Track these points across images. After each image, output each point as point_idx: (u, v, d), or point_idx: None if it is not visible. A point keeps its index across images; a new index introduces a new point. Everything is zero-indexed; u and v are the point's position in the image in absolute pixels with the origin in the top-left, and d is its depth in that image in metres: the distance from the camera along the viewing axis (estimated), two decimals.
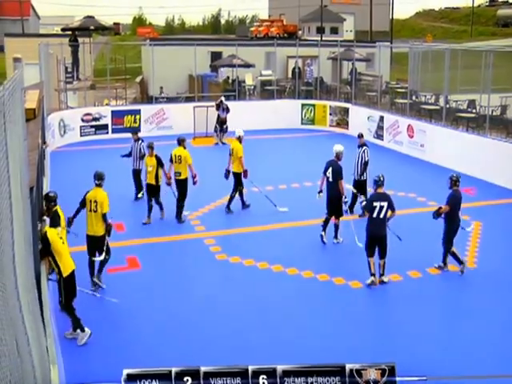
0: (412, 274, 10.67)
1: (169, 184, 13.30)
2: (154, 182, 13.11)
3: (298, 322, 9.02)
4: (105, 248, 9.71)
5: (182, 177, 13.30)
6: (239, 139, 14.17)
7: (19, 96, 5.95)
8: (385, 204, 9.98)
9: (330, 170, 12.03)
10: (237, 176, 13.92)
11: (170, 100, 26.51)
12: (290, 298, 9.80)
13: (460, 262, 10.70)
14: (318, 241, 12.54)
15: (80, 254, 9.67)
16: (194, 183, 13.38)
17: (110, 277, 10.53)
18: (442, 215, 10.68)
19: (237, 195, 13.97)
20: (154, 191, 13.18)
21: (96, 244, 9.81)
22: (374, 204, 10.01)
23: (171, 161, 13.30)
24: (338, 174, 11.93)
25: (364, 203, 10.39)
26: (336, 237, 12.36)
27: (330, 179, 12.02)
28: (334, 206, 12.07)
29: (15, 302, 3.95)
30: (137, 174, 14.96)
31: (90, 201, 9.78)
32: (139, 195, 14.52)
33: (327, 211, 12.25)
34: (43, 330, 5.63)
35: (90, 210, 9.75)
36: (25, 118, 6.99)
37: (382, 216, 9.98)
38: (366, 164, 13.42)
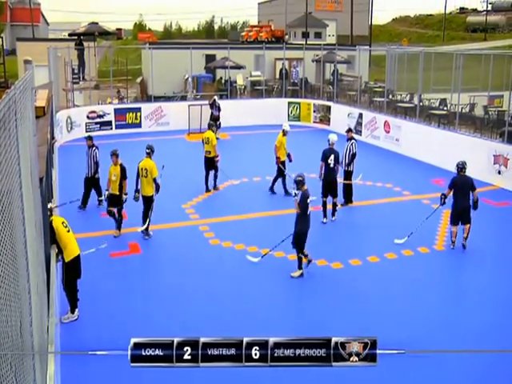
0: (388, 255, 10.75)
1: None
2: (117, 192, 11.48)
3: (283, 299, 9.08)
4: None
5: (211, 155, 14.55)
6: (283, 132, 14.39)
7: (30, 95, 5.92)
8: (310, 199, 9.79)
9: (332, 156, 12.55)
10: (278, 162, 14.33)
11: (167, 98, 26.40)
12: (277, 279, 9.83)
13: (452, 242, 11.06)
14: None
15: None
16: (216, 161, 14.54)
17: (114, 260, 10.57)
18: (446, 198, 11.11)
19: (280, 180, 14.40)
20: (117, 202, 11.57)
21: (147, 202, 11.51)
22: (308, 201, 9.68)
23: (203, 142, 14.66)
24: (338, 159, 12.69)
25: (299, 201, 9.67)
26: (334, 214, 12.76)
27: (332, 165, 12.53)
28: (333, 188, 12.63)
29: (25, 284, 3.95)
30: (89, 182, 13.26)
31: (142, 169, 11.44)
32: (101, 198, 12.60)
33: (323, 194, 12.62)
34: (47, 310, 5.61)
35: (142, 176, 11.43)
36: (35, 115, 6.95)
37: (309, 212, 9.80)
38: (353, 156, 13.60)
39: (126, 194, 11.49)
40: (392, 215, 13.19)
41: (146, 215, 11.60)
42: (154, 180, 11.43)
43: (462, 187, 10.83)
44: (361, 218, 13.33)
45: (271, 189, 14.56)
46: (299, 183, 9.68)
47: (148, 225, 11.59)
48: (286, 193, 14.30)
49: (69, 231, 8.02)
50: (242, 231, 12.10)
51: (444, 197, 11.11)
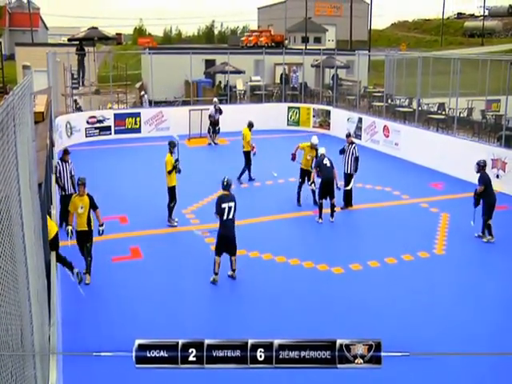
0: (388, 260, 10.71)
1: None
2: (86, 228, 9.63)
3: (285, 303, 9.03)
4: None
5: (245, 149, 16.17)
6: (310, 146, 14.00)
7: (28, 100, 5.89)
8: (232, 204, 9.53)
9: (327, 159, 12.82)
10: (302, 171, 14.19)
11: (167, 103, 26.39)
12: (279, 283, 9.80)
13: (490, 234, 11.61)
14: (303, 231, 12.61)
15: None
16: (254, 154, 16.05)
17: (116, 265, 10.53)
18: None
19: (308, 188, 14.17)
20: (86, 238, 9.68)
21: (168, 193, 12.39)
22: (223, 206, 9.44)
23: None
24: (332, 163, 12.91)
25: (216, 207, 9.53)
26: (332, 216, 12.80)
27: (328, 164, 12.77)
28: (332, 188, 12.73)
29: (25, 291, 3.92)
30: (67, 199, 10.67)
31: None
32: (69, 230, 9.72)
33: (320, 196, 12.80)
34: (48, 318, 5.56)
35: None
36: (34, 120, 6.92)
37: (230, 217, 9.47)
38: (357, 159, 13.71)
39: (101, 226, 9.72)
40: (391, 219, 13.16)
41: (168, 206, 12.48)
42: (169, 172, 12.17)
43: (490, 183, 11.58)
44: (360, 221, 13.32)
45: (314, 201, 13.95)
46: (222, 185, 9.64)
47: (170, 215, 12.52)
48: (298, 202, 14.11)
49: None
50: (242, 236, 12.03)
51: (478, 196, 11.52)
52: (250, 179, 16.22)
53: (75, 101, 23.63)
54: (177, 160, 12.30)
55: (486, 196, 11.49)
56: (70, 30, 59.39)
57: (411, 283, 9.85)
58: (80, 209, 9.57)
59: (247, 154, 16.21)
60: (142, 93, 25.83)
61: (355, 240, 12.17)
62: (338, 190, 13.02)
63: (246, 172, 16.29)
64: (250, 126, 16.64)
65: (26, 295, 3.93)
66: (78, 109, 23.49)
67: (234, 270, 9.83)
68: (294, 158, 14.42)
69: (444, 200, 14.49)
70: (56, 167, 11.95)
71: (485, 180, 11.52)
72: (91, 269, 9.65)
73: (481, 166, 11.62)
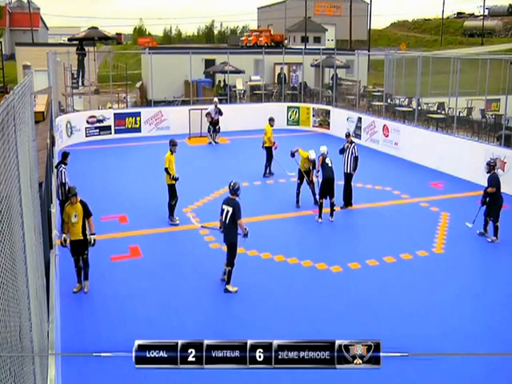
0: (387, 259, 10.72)
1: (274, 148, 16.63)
2: (81, 237, 9.11)
3: (285, 302, 9.03)
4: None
5: (266, 145, 16.62)
6: (307, 158, 13.74)
7: (28, 100, 5.90)
8: (230, 209, 9.28)
9: (328, 158, 12.90)
10: (299, 172, 14.09)
11: (167, 103, 26.40)
12: (278, 282, 9.80)
13: (495, 235, 11.51)
14: (302, 230, 12.60)
15: None
16: (275, 148, 16.49)
17: (115, 264, 10.54)
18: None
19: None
20: (82, 248, 9.20)
21: (168, 191, 12.47)
22: (223, 207, 9.44)
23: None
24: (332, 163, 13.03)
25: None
26: (332, 215, 12.83)
27: (329, 164, 12.84)
28: (332, 187, 12.80)
29: (24, 289, 3.93)
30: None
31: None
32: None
33: (320, 195, 12.85)
34: (47, 315, 5.57)
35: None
36: (34, 120, 6.93)
37: (227, 221, 9.34)
38: (356, 158, 13.69)
39: (93, 234, 9.18)
40: (391, 218, 13.17)
41: (169, 205, 12.53)
42: (165, 170, 12.23)
43: (500, 182, 11.49)
44: (360, 220, 13.31)
45: (315, 201, 13.86)
46: (229, 189, 9.58)
47: (172, 213, 12.55)
48: (297, 203, 14.02)
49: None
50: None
51: (487, 194, 11.45)
52: (271, 173, 16.60)
53: (59, 102, 23.07)
54: (177, 178, 12.41)
55: (494, 197, 11.44)
56: (70, 30, 59.41)
57: (410, 282, 9.84)
58: (74, 217, 9.05)
59: (268, 150, 16.52)
60: (124, 95, 25.82)
61: (354, 239, 12.16)
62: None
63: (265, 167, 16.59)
64: (271, 121, 16.98)
65: (25, 293, 3.95)
66: (62, 111, 22.66)
67: (228, 283, 9.37)
68: (293, 155, 14.48)
69: (444, 199, 14.50)
70: (63, 172, 11.38)
71: (495, 181, 11.43)
72: (88, 276, 9.37)
73: (491, 166, 11.59)
